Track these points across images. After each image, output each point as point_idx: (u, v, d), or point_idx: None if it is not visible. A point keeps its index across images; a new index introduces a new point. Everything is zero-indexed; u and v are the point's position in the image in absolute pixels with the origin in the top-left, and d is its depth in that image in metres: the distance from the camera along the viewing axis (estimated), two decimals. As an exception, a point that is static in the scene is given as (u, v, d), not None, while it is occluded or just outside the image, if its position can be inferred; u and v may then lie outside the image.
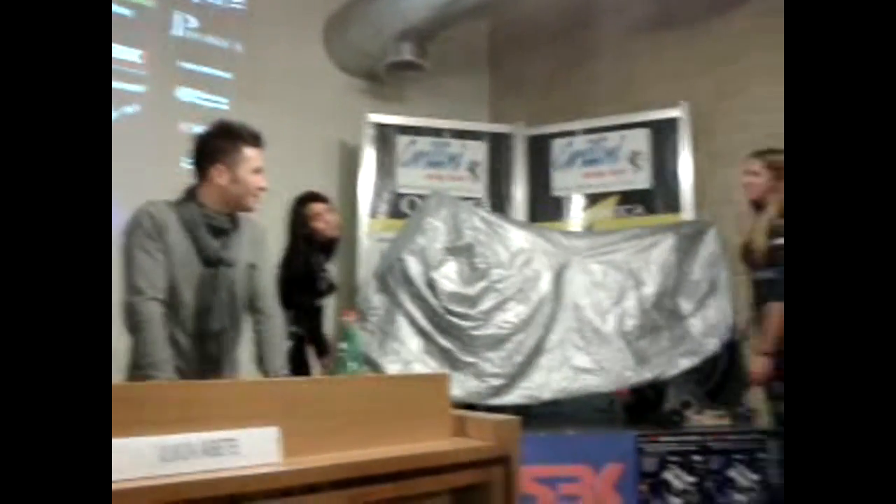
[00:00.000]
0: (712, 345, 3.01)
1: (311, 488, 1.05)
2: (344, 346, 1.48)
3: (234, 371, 2.02)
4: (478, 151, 4.22)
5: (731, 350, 3.16)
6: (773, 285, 2.80)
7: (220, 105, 3.86)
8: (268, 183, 1.99)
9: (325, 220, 3.10)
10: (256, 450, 1.05)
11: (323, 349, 3.14)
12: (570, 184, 4.10)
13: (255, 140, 1.96)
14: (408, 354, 2.98)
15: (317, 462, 1.09)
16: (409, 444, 1.26)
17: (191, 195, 1.96)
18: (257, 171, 1.95)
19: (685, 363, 2.97)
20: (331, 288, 3.18)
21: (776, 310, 2.76)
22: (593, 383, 2.97)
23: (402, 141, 4.12)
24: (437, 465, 1.23)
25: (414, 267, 3.09)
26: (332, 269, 3.34)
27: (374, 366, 2.91)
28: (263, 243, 2.08)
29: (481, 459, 1.29)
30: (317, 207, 3.11)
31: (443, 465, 1.24)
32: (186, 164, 2.03)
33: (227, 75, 3.96)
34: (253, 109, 3.49)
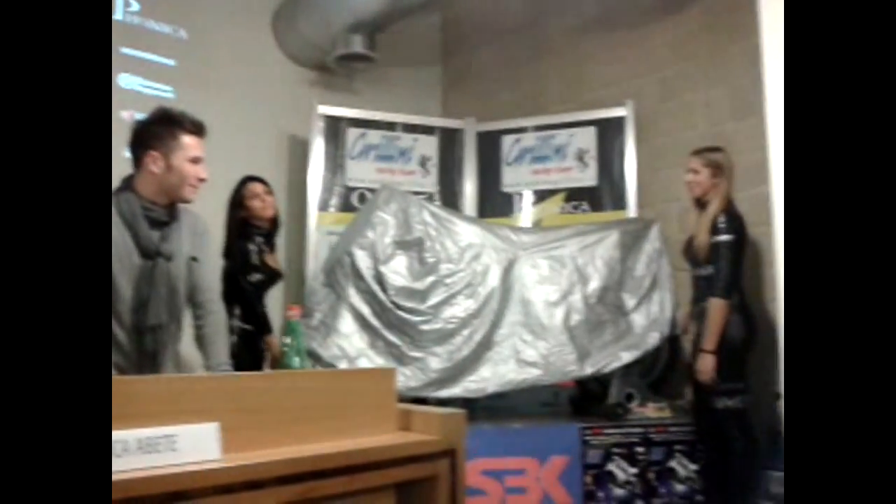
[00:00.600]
0: (654, 339, 3.08)
1: (253, 485, 1.03)
2: (287, 341, 1.46)
3: (177, 366, 1.97)
4: (429, 146, 4.21)
5: (672, 344, 3.25)
6: (713, 282, 2.88)
7: (164, 93, 3.75)
8: (210, 174, 1.94)
9: (262, 200, 3.10)
10: (195, 446, 1.02)
11: (264, 329, 3.09)
12: (519, 180, 4.14)
13: (195, 128, 1.90)
14: (352, 349, 2.96)
15: (259, 458, 1.07)
16: (353, 439, 1.25)
17: (127, 185, 1.90)
18: (195, 160, 1.89)
19: (627, 357, 3.04)
20: (275, 274, 3.14)
21: (717, 307, 2.84)
22: (537, 376, 3.01)
23: (353, 134, 4.08)
24: (383, 460, 1.23)
25: (363, 261, 3.07)
26: (279, 259, 3.31)
27: (318, 361, 2.88)
28: (205, 235, 2.03)
29: (427, 453, 1.29)
30: (255, 187, 3.11)
31: (388, 459, 1.23)
32: (127, 154, 1.97)
33: (171, 62, 3.84)
34: (198, 99, 3.41)
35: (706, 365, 2.81)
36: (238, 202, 3.09)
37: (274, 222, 3.22)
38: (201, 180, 1.91)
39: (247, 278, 2.99)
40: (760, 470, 2.91)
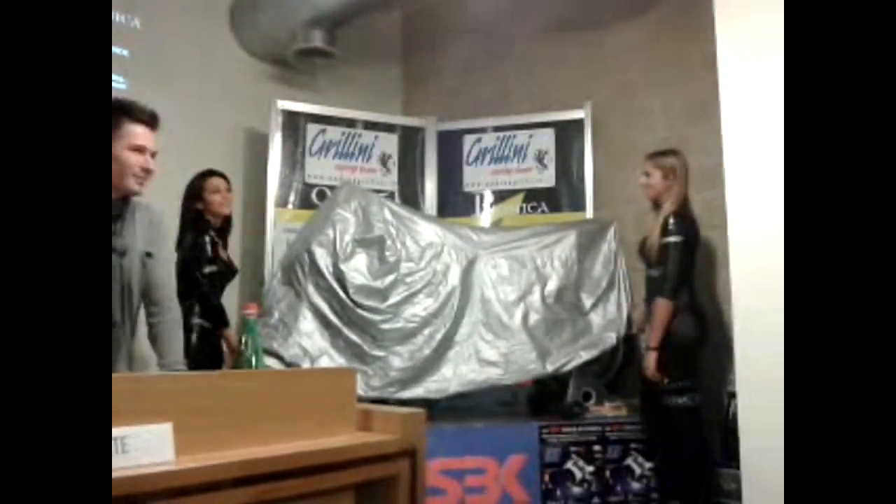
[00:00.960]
0: (611, 338, 3.12)
1: (208, 487, 1.00)
2: (244, 340, 1.42)
3: (130, 366, 1.91)
4: (389, 144, 4.18)
5: (629, 344, 3.30)
6: (661, 282, 2.94)
7: (116, 84, 3.64)
8: (163, 167, 1.88)
9: (223, 196, 3.04)
10: (147, 448, 0.99)
11: (221, 322, 3.02)
12: (479, 180, 4.15)
13: (143, 117, 1.82)
14: (313, 348, 2.93)
15: (213, 460, 1.04)
16: (312, 440, 1.23)
17: None
18: (139, 149, 1.80)
19: (585, 355, 3.07)
20: (230, 268, 3.07)
21: (662, 306, 2.89)
22: (499, 376, 3.02)
23: (312, 130, 4.03)
24: (342, 461, 1.21)
25: (322, 259, 3.04)
26: (233, 254, 3.24)
27: (279, 360, 2.84)
28: (160, 230, 1.96)
29: (387, 453, 1.28)
30: (217, 182, 3.06)
31: (347, 459, 1.22)
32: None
33: (124, 52, 3.73)
34: (152, 90, 3.31)
35: (650, 361, 2.87)
36: (196, 194, 3.02)
37: (228, 220, 3.16)
38: (146, 171, 1.83)
39: (201, 270, 2.92)
40: (713, 467, 2.97)
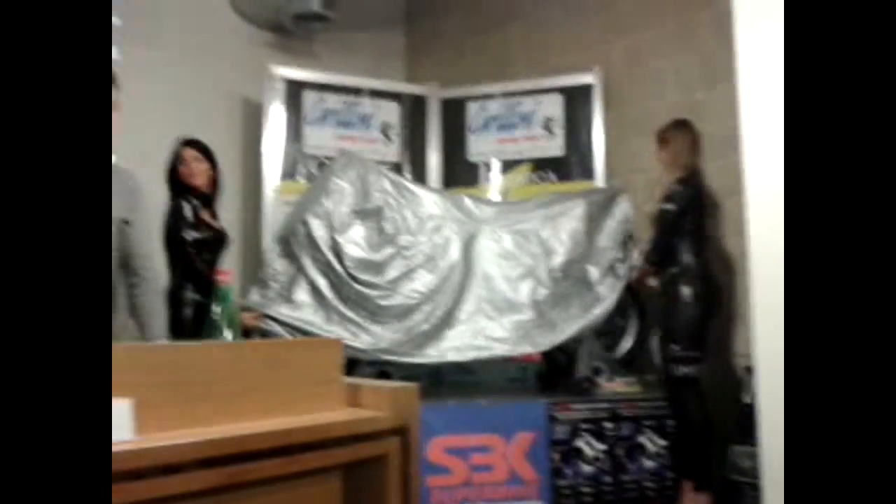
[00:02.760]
0: (612, 297, 2.99)
1: (169, 469, 0.89)
2: (217, 309, 1.30)
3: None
4: (391, 113, 4.04)
5: (643, 319, 3.19)
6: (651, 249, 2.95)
7: (106, 53, 3.51)
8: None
9: (189, 166, 2.82)
10: (105, 426, 0.88)
11: (211, 294, 2.85)
12: (484, 149, 4.00)
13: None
14: (307, 323, 2.81)
15: (178, 438, 0.94)
16: (294, 417, 1.12)
17: None
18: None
19: (593, 317, 2.96)
20: (218, 235, 2.91)
21: (641, 269, 3.01)
22: (505, 351, 2.91)
23: (310, 98, 3.88)
24: (326, 439, 1.10)
25: (318, 230, 2.92)
26: (231, 226, 3.11)
27: (275, 322, 2.76)
28: (138, 197, 1.85)
29: (376, 431, 1.17)
30: (185, 153, 2.83)
31: (332, 437, 1.11)
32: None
33: (115, 21, 3.60)
34: (145, 59, 3.21)
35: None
36: (174, 162, 2.87)
37: (214, 186, 2.97)
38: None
39: (181, 235, 2.77)
40: (723, 443, 2.86)
